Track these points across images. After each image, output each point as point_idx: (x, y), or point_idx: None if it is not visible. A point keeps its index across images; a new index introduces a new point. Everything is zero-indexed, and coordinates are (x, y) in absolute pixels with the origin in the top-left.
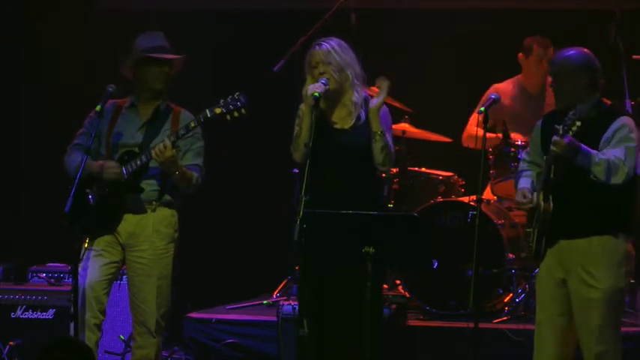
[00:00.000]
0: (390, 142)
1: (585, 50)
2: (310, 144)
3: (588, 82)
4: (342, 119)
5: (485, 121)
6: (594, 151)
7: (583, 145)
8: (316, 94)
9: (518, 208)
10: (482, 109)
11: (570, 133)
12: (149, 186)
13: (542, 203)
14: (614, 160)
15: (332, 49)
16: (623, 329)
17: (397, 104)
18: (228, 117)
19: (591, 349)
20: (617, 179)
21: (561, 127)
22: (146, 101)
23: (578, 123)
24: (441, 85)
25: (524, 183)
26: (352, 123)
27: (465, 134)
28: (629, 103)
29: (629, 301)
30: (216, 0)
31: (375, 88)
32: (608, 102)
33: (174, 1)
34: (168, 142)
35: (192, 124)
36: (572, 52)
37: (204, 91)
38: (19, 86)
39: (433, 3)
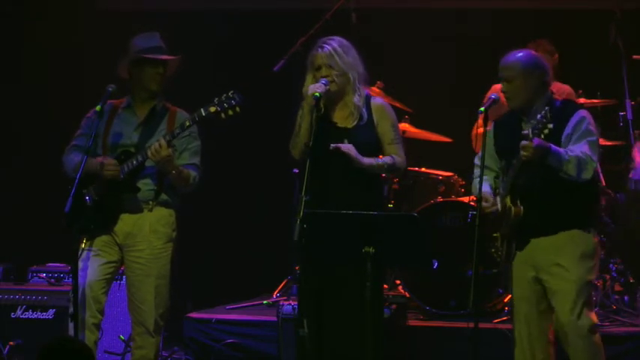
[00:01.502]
0: (399, 146)
1: (532, 51)
2: (311, 144)
3: (539, 81)
4: (344, 119)
5: (486, 121)
6: (562, 150)
7: (552, 145)
8: (317, 94)
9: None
10: (482, 109)
11: (542, 136)
12: (146, 185)
13: (512, 207)
14: (582, 156)
15: (335, 52)
16: (623, 329)
17: (397, 104)
18: (223, 115)
19: (567, 343)
20: (587, 174)
21: (530, 130)
22: (142, 102)
23: (550, 126)
24: (441, 85)
25: (486, 188)
26: (355, 123)
27: (472, 140)
28: (629, 103)
29: (628, 301)
30: (217, 0)
31: (375, 88)
32: (559, 98)
33: (175, 1)
34: (163, 142)
35: (187, 123)
36: (520, 54)
37: (204, 91)
38: (19, 86)
39: (433, 3)
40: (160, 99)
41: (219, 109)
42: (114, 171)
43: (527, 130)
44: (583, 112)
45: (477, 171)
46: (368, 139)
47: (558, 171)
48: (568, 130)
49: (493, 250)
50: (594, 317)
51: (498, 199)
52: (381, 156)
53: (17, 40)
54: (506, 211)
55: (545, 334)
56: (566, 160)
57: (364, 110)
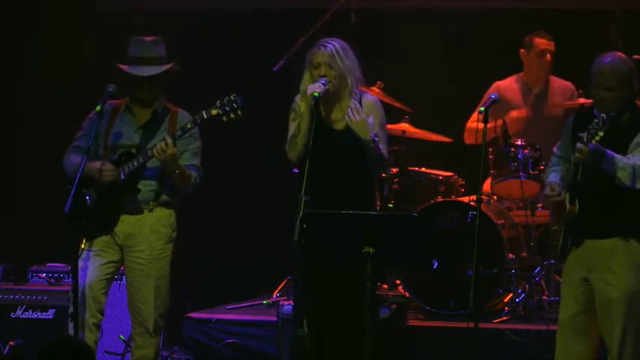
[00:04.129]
0: (382, 146)
1: (624, 56)
2: (311, 143)
3: (632, 89)
4: (337, 121)
5: (485, 121)
6: (619, 156)
7: (608, 151)
8: (316, 94)
9: (546, 201)
10: (482, 109)
11: (593, 142)
12: (146, 186)
13: (567, 205)
14: (639, 165)
15: (336, 53)
16: None
17: (397, 104)
18: (225, 118)
19: (613, 350)
20: None
21: (585, 134)
22: (142, 103)
23: (601, 133)
24: (441, 85)
25: (553, 177)
26: (345, 125)
27: (465, 132)
28: None
29: None
30: (217, 0)
31: (375, 88)
32: None
33: (175, 1)
34: (169, 140)
35: (189, 125)
36: (619, 62)
37: (204, 91)
38: (19, 86)
39: (433, 3)
40: (160, 100)
41: (220, 112)
42: (112, 176)
43: (584, 134)
44: None
45: (553, 159)
46: (359, 141)
47: (613, 177)
48: (639, 138)
49: (555, 241)
50: None
51: (563, 192)
52: None
53: (17, 40)
54: (564, 206)
55: (589, 335)
56: (621, 168)
57: None
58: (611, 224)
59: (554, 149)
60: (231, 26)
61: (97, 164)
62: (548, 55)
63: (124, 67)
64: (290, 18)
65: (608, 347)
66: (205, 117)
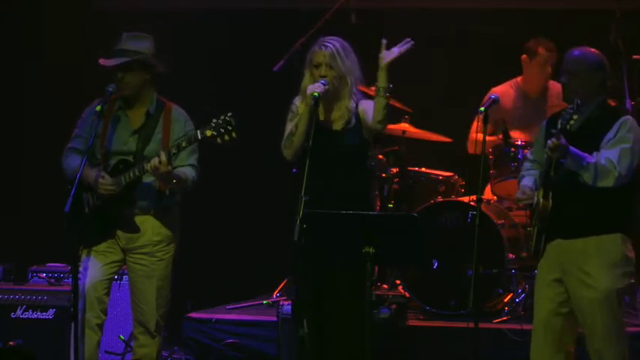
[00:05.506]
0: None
1: (596, 51)
2: (310, 143)
3: (600, 82)
4: (336, 122)
5: (485, 121)
6: (584, 155)
7: (572, 148)
8: (315, 94)
9: (517, 205)
10: (481, 109)
11: (568, 127)
12: (146, 195)
13: (541, 200)
14: (603, 164)
15: (337, 53)
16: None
17: (397, 104)
18: (219, 140)
19: (593, 349)
20: (607, 183)
21: (560, 121)
22: (132, 104)
23: (575, 117)
24: (440, 85)
25: (527, 181)
26: (342, 126)
27: (468, 142)
28: (629, 103)
29: (628, 301)
30: (216, 0)
31: (375, 88)
32: (613, 103)
33: (174, 1)
34: (164, 158)
35: (184, 144)
36: (586, 51)
37: (204, 91)
38: (19, 87)
39: (433, 3)
40: (151, 100)
41: (215, 133)
42: (109, 191)
43: (555, 129)
44: (626, 118)
45: (526, 164)
46: (355, 142)
47: (577, 175)
48: (610, 134)
49: (530, 242)
50: (622, 329)
51: (536, 192)
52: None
53: (17, 40)
54: (537, 203)
55: (564, 336)
56: (583, 167)
57: (354, 114)
58: (584, 223)
59: (527, 154)
60: (231, 26)
61: (94, 173)
62: (550, 67)
63: (102, 61)
64: (290, 18)
65: (590, 349)
66: (200, 137)
